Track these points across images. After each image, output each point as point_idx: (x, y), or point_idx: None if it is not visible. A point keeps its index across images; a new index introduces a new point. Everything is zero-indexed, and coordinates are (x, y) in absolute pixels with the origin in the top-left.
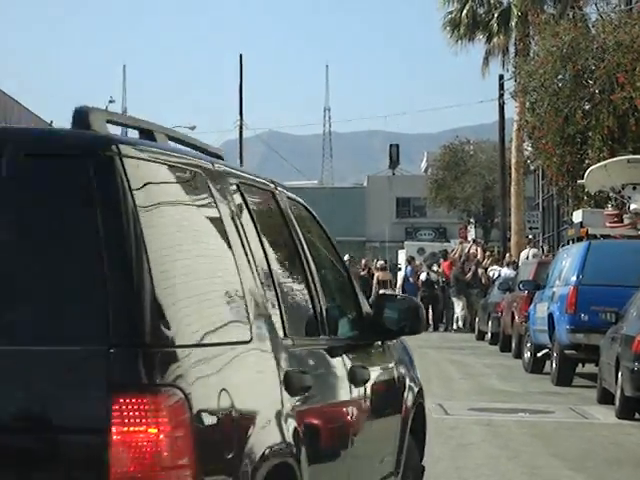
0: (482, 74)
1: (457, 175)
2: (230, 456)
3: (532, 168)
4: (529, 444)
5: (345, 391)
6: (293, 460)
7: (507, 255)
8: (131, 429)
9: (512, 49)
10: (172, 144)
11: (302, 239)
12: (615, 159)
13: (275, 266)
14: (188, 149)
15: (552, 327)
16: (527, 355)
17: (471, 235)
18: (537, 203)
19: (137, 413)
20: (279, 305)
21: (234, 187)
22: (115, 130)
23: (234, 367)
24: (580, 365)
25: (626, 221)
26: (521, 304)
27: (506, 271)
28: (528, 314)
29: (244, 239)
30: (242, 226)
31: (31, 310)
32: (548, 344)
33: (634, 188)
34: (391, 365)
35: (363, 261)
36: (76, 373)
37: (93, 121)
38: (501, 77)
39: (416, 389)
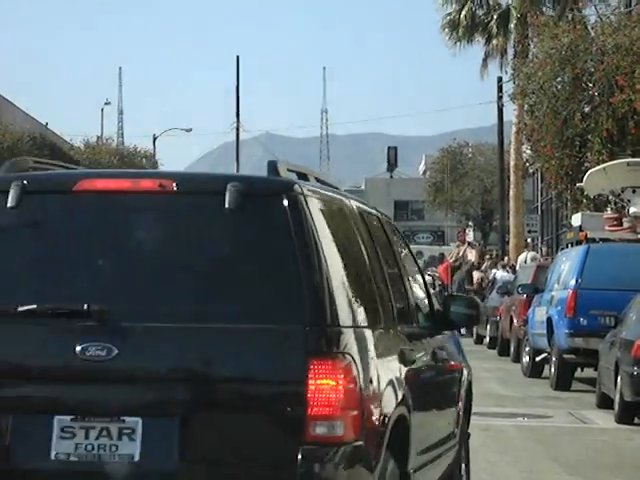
0: (481, 76)
1: (455, 178)
2: (376, 403)
3: (531, 171)
4: (528, 449)
5: (430, 365)
6: (406, 411)
7: (505, 258)
8: (320, 382)
9: (511, 51)
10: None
11: (398, 251)
12: (615, 162)
13: (386, 271)
14: (327, 187)
15: (551, 331)
16: (526, 359)
17: (469, 238)
18: (536, 206)
19: (324, 371)
20: (391, 300)
21: (358, 213)
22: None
23: (375, 343)
24: (579, 369)
25: (625, 225)
26: (520, 308)
27: (501, 274)
28: (527, 318)
29: (370, 250)
30: (367, 241)
31: (257, 301)
32: (547, 348)
33: (634, 191)
34: (453, 349)
35: None
36: (285, 343)
37: (281, 170)
38: (500, 79)
39: (467, 370)
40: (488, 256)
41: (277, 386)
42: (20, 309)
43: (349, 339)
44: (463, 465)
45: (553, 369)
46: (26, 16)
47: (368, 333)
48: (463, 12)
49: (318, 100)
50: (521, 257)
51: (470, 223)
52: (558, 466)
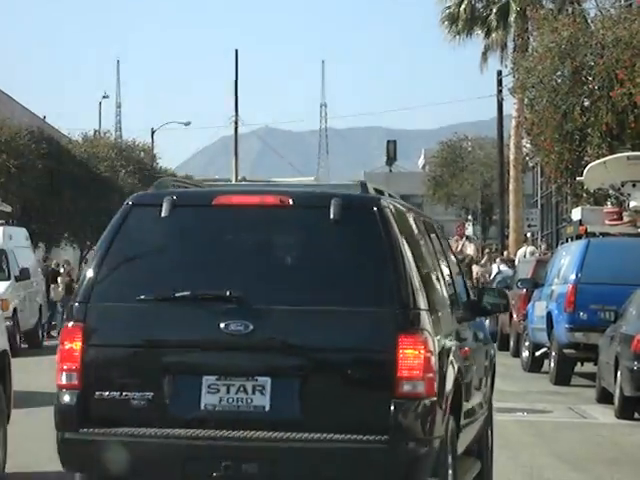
0: (480, 70)
1: (455, 172)
2: (443, 370)
3: (531, 165)
4: (528, 444)
5: (472, 343)
6: (460, 378)
7: (505, 252)
8: (406, 351)
9: (511, 45)
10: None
11: (446, 249)
12: (614, 156)
13: (441, 266)
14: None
15: (551, 326)
16: (525, 354)
17: (469, 232)
18: (536, 200)
19: (409, 343)
20: (446, 290)
21: (418, 219)
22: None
23: (440, 323)
24: (579, 364)
25: (625, 219)
26: (519, 302)
27: (501, 268)
28: (526, 312)
29: (430, 249)
30: (427, 242)
31: (358, 289)
32: (547, 343)
33: (634, 185)
34: (485, 331)
35: None
36: (381, 322)
37: (369, 188)
38: (499, 73)
39: (493, 349)
40: (487, 250)
41: (375, 354)
42: (177, 295)
43: (425, 319)
44: (489, 428)
45: (553, 364)
46: (24, 9)
47: (435, 315)
48: (462, 5)
49: (317, 94)
50: (520, 251)
51: (469, 217)
52: (558, 461)
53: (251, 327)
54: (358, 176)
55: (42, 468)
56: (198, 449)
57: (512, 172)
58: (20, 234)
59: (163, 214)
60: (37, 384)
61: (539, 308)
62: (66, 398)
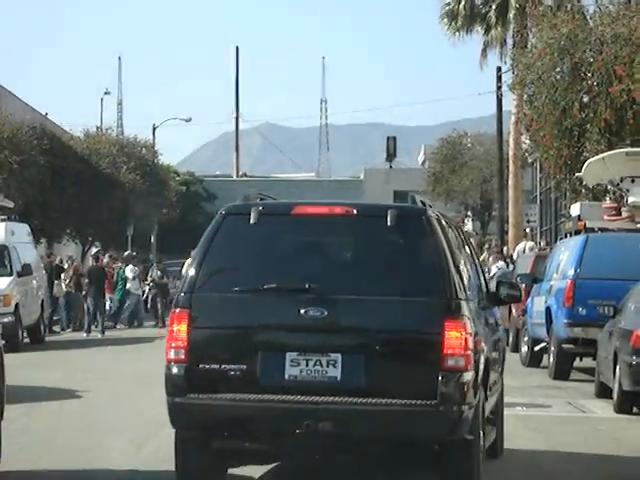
0: (480, 66)
1: (455, 168)
2: (478, 349)
3: (530, 161)
4: (527, 438)
5: (494, 327)
6: (488, 355)
7: (505, 248)
8: (450, 333)
9: (510, 41)
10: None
11: (472, 250)
12: (613, 152)
13: (470, 263)
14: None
15: (550, 321)
16: (524, 349)
17: (468, 228)
18: (535, 196)
19: (452, 327)
20: (476, 282)
21: (453, 225)
22: None
23: (474, 310)
24: (578, 359)
25: (624, 214)
26: None
27: (499, 264)
28: (525, 308)
29: (463, 249)
30: (460, 242)
31: (412, 283)
32: (546, 338)
33: (632, 181)
34: (500, 318)
35: None
36: (430, 309)
37: (417, 201)
38: (499, 69)
39: (503, 331)
40: (487, 246)
41: (425, 335)
42: (265, 287)
43: (464, 307)
44: (502, 401)
45: (552, 359)
46: (25, 5)
47: (471, 304)
48: (462, 2)
49: (318, 90)
50: (519, 247)
51: (469, 213)
52: (557, 455)
53: (325, 313)
54: (358, 172)
55: (34, 464)
56: (284, 411)
57: (511, 168)
58: (22, 230)
59: (251, 221)
60: (39, 379)
61: (538, 303)
62: (175, 370)
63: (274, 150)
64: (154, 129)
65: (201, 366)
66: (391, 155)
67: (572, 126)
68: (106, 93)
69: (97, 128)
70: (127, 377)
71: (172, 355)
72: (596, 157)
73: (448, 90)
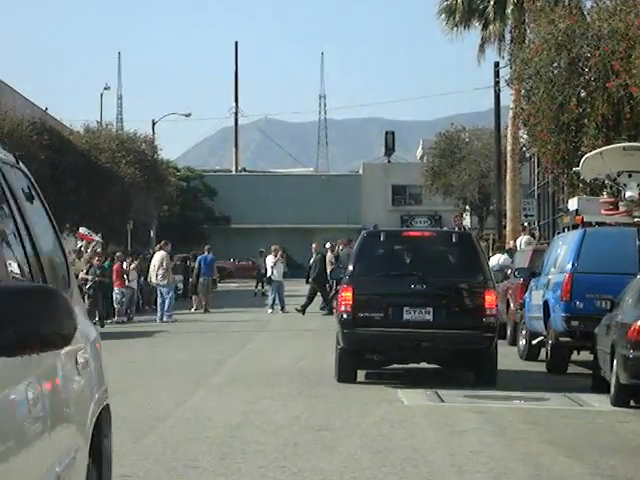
0: (478, 61)
1: (453, 163)
2: (498, 306)
3: (527, 156)
4: (524, 431)
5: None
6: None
7: (509, 242)
8: (488, 297)
9: (508, 36)
10: None
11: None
12: (611, 146)
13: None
14: None
15: (547, 314)
16: (522, 342)
17: (466, 223)
18: (532, 190)
19: (489, 293)
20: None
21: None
22: None
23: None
24: (575, 352)
25: (621, 208)
26: (516, 291)
27: (500, 257)
28: (523, 301)
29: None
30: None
31: (466, 274)
32: (543, 331)
33: (630, 175)
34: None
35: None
36: (478, 286)
37: (466, 229)
38: (497, 64)
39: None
40: (484, 243)
41: (475, 299)
42: (393, 273)
43: (494, 285)
44: None
45: (549, 352)
46: (26, 1)
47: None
48: None
49: (316, 85)
50: (518, 241)
51: (467, 207)
52: (554, 448)
53: (424, 286)
54: (357, 167)
55: None
56: (404, 336)
57: (509, 163)
58: None
59: (381, 239)
60: None
61: (536, 297)
62: (345, 316)
63: (273, 145)
64: (153, 124)
65: (359, 314)
66: (390, 150)
67: (569, 121)
68: (106, 88)
69: (97, 123)
70: (127, 370)
71: (343, 309)
72: (593, 152)
73: (446, 85)
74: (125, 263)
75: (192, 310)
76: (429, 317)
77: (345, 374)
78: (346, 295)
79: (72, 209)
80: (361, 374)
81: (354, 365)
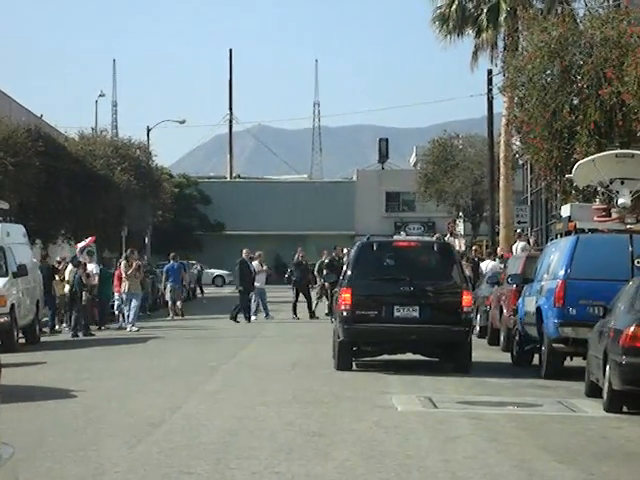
0: (471, 69)
1: (446, 169)
2: (473, 305)
3: (520, 162)
4: (518, 437)
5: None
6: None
7: (499, 248)
8: (465, 297)
9: (501, 44)
10: None
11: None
12: (603, 154)
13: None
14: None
15: (540, 320)
16: (516, 348)
17: (459, 229)
18: (525, 197)
19: (465, 294)
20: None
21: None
22: None
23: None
24: (568, 358)
25: (614, 215)
26: (510, 298)
27: (489, 263)
28: (516, 307)
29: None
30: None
31: (446, 278)
32: (536, 337)
33: (622, 182)
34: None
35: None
36: (455, 287)
37: (443, 239)
38: (490, 72)
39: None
40: (475, 248)
41: (454, 297)
42: (385, 277)
43: (469, 286)
44: None
45: (543, 358)
46: (21, 8)
47: (469, 284)
48: (453, 6)
49: (310, 92)
50: (514, 247)
51: (460, 214)
52: (547, 454)
53: (412, 288)
54: (351, 173)
55: (31, 463)
56: (395, 330)
57: (502, 169)
58: (18, 231)
59: (374, 249)
60: (34, 379)
61: (529, 303)
62: (345, 313)
63: (267, 152)
64: (148, 131)
65: (357, 312)
66: (383, 156)
67: (562, 128)
68: (101, 95)
69: (92, 130)
70: (122, 377)
71: (343, 307)
72: (586, 159)
73: (439, 92)
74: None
75: (169, 318)
76: (416, 314)
77: (343, 363)
78: (346, 296)
79: (67, 216)
80: (356, 378)
81: (351, 355)
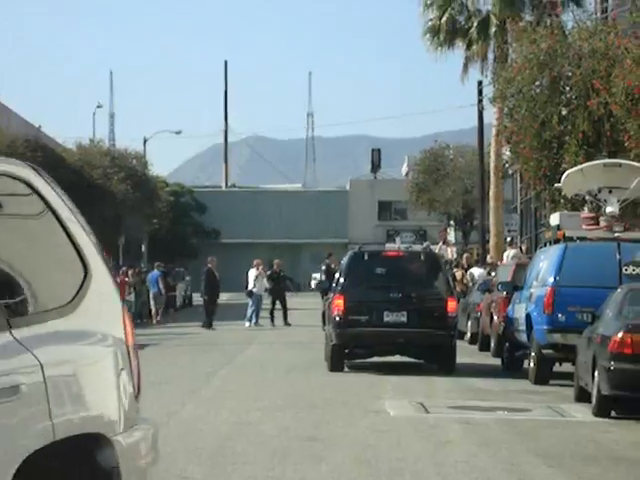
0: (462, 80)
1: (437, 179)
2: (457, 309)
3: (510, 172)
4: (508, 442)
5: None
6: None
7: (488, 256)
8: (450, 303)
9: (491, 56)
10: None
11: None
12: (591, 163)
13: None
14: None
15: (530, 327)
16: (506, 354)
17: (450, 237)
18: (515, 206)
19: (450, 300)
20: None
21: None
22: None
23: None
24: (557, 364)
25: (602, 223)
26: (500, 305)
27: (477, 270)
28: (506, 314)
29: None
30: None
31: (432, 286)
32: (526, 343)
33: (610, 191)
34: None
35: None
36: (441, 294)
37: (432, 249)
38: (480, 83)
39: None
40: (467, 255)
41: (440, 303)
42: (375, 285)
43: (454, 292)
44: None
45: (532, 364)
46: (19, 19)
47: (455, 291)
48: (444, 18)
49: (304, 103)
50: (505, 254)
51: (451, 222)
52: (537, 458)
53: (400, 295)
54: (344, 183)
55: None
56: (383, 334)
57: (492, 179)
58: None
59: (365, 258)
60: None
61: (519, 310)
62: (337, 318)
63: (262, 161)
64: (145, 141)
65: (349, 317)
66: (376, 166)
67: (551, 138)
68: (98, 107)
69: (90, 140)
70: None
71: (336, 312)
72: (575, 168)
73: (430, 103)
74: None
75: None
76: (404, 319)
77: (336, 365)
78: (338, 302)
79: None
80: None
81: (343, 357)
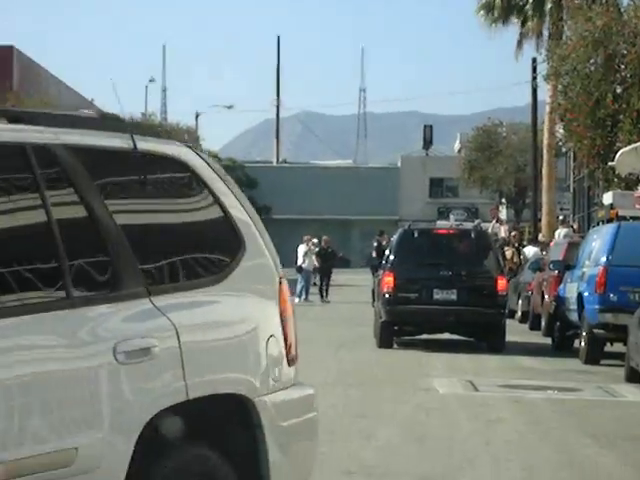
0: (515, 57)
1: (490, 156)
2: (507, 288)
3: (563, 150)
4: (558, 421)
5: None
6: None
7: (540, 235)
8: (499, 281)
9: (546, 33)
10: None
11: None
12: None
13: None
14: None
15: (581, 306)
16: (556, 334)
17: (502, 215)
18: (568, 185)
19: (501, 278)
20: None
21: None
22: None
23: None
24: (609, 344)
25: None
26: (551, 284)
27: (531, 249)
28: (558, 293)
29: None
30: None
31: (484, 266)
32: (577, 323)
33: None
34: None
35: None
36: (492, 273)
37: (480, 226)
38: (534, 60)
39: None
40: (514, 233)
41: (490, 282)
42: (427, 262)
43: (504, 271)
44: None
45: (583, 344)
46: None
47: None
48: None
49: (356, 79)
50: (557, 233)
51: (503, 200)
52: (587, 438)
53: (450, 273)
54: (395, 159)
55: None
56: (434, 312)
57: (545, 157)
58: None
59: (415, 235)
60: None
61: (570, 289)
62: (387, 295)
63: (313, 137)
64: (197, 116)
65: (399, 294)
66: (428, 143)
67: (605, 116)
68: (151, 80)
69: (142, 114)
70: None
71: (385, 289)
72: (628, 147)
73: (483, 80)
74: None
75: None
76: (454, 297)
77: (385, 342)
78: (388, 279)
79: None
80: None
81: (392, 335)
